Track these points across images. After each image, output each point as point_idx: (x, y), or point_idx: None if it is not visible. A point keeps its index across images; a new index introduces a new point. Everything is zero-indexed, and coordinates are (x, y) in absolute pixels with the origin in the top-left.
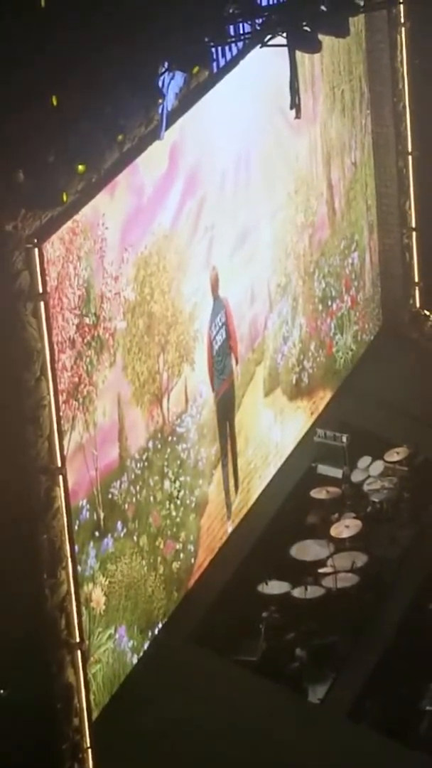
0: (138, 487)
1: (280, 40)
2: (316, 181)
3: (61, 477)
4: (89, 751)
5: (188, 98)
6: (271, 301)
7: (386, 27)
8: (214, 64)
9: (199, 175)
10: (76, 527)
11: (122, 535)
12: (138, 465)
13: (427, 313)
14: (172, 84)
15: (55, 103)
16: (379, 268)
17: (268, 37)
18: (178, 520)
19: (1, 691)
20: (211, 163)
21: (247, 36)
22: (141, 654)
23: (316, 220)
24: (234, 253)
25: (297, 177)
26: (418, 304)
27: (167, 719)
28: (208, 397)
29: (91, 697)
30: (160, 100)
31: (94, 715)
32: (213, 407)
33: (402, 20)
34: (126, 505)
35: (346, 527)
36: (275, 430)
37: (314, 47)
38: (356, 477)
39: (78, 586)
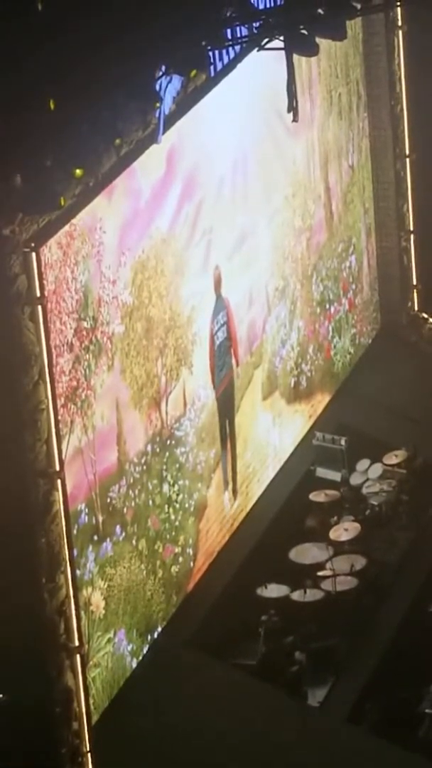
0: (137, 491)
1: (278, 43)
2: (313, 184)
3: (59, 481)
4: (89, 755)
5: (185, 102)
6: (269, 304)
7: (383, 30)
8: (212, 67)
9: (196, 178)
10: (74, 531)
11: (121, 539)
12: (136, 469)
13: (425, 316)
14: (170, 87)
15: (52, 106)
16: (376, 271)
17: (266, 40)
18: (176, 523)
19: (1, 696)
20: (209, 167)
21: (244, 39)
22: (140, 658)
23: (313, 223)
24: (232, 257)
25: (294, 180)
26: (416, 307)
27: (166, 723)
28: (207, 401)
29: (91, 701)
30: (158, 104)
31: (94, 719)
32: (211, 410)
33: (399, 23)
34: (125, 509)
35: (344, 530)
36: (273, 433)
37: (311, 50)
38: (355, 480)
39: (77, 590)
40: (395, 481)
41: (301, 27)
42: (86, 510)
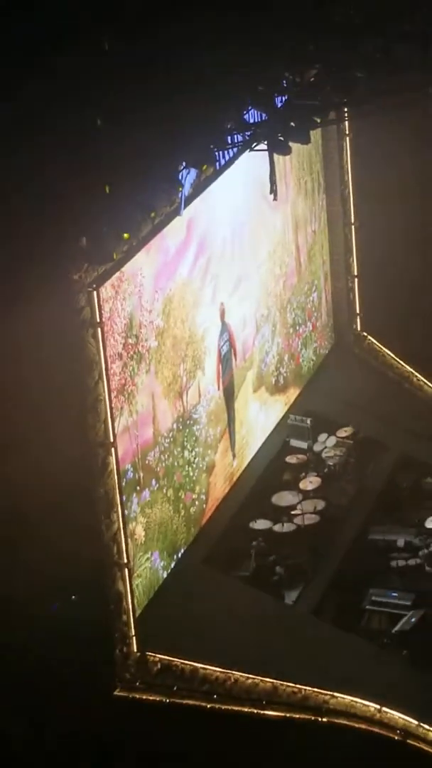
0: (166, 456)
1: (263, 146)
2: (288, 244)
3: (113, 449)
4: (133, 638)
5: (199, 187)
6: (258, 326)
7: (336, 137)
8: (217, 163)
9: (207, 240)
10: (123, 484)
11: (155, 489)
12: (166, 440)
13: (365, 334)
14: (188, 177)
15: (107, 190)
16: (331, 303)
17: (255, 144)
18: (194, 478)
19: (73, 597)
20: (215, 233)
21: (239, 143)
22: (169, 571)
23: (287, 270)
24: (232, 294)
25: (275, 241)
26: (359, 328)
27: (187, 615)
28: (214, 394)
29: (135, 600)
30: (180, 188)
31: (137, 613)
32: (218, 400)
33: (347, 132)
34: (158, 468)
35: (310, 482)
36: (260, 416)
37: (286, 151)
38: (317, 448)
39: (125, 524)
40: (345, 448)
41: (279, 135)
42: (131, 469)
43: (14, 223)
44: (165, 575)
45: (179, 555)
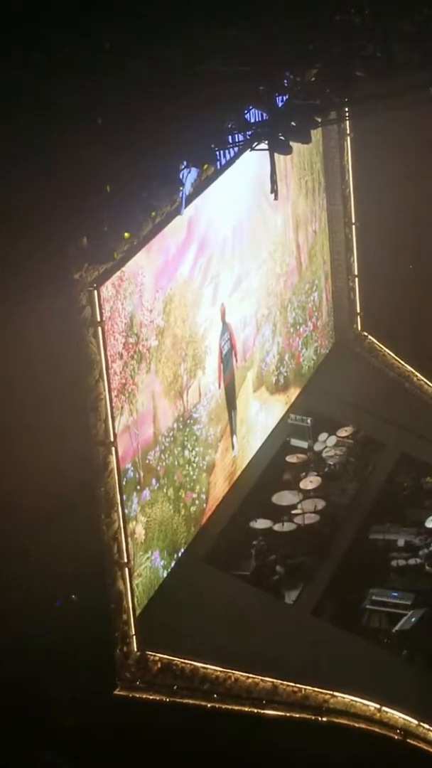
0: (166, 455)
1: (264, 145)
2: (288, 243)
3: (113, 448)
4: (134, 637)
5: (200, 186)
6: (258, 326)
7: (337, 136)
8: (218, 162)
9: (207, 240)
10: (123, 483)
11: (156, 488)
12: (166, 440)
13: (366, 334)
14: (189, 176)
15: (108, 190)
16: (332, 303)
17: (256, 143)
18: (194, 477)
19: (74, 597)
20: (216, 232)
21: (240, 143)
22: (169, 570)
23: (288, 270)
24: (232, 294)
25: (275, 241)
26: (359, 328)
27: (187, 614)
28: (215, 393)
29: (135, 600)
30: (181, 188)
31: (137, 612)
32: (218, 399)
33: (348, 132)
34: (158, 467)
35: (310, 482)
36: (261, 415)
37: (287, 151)
38: (317, 447)
39: (126, 523)
40: (345, 447)
41: (280, 134)
42: (132, 468)
43: (15, 222)
44: (165, 574)
45: (179, 554)
